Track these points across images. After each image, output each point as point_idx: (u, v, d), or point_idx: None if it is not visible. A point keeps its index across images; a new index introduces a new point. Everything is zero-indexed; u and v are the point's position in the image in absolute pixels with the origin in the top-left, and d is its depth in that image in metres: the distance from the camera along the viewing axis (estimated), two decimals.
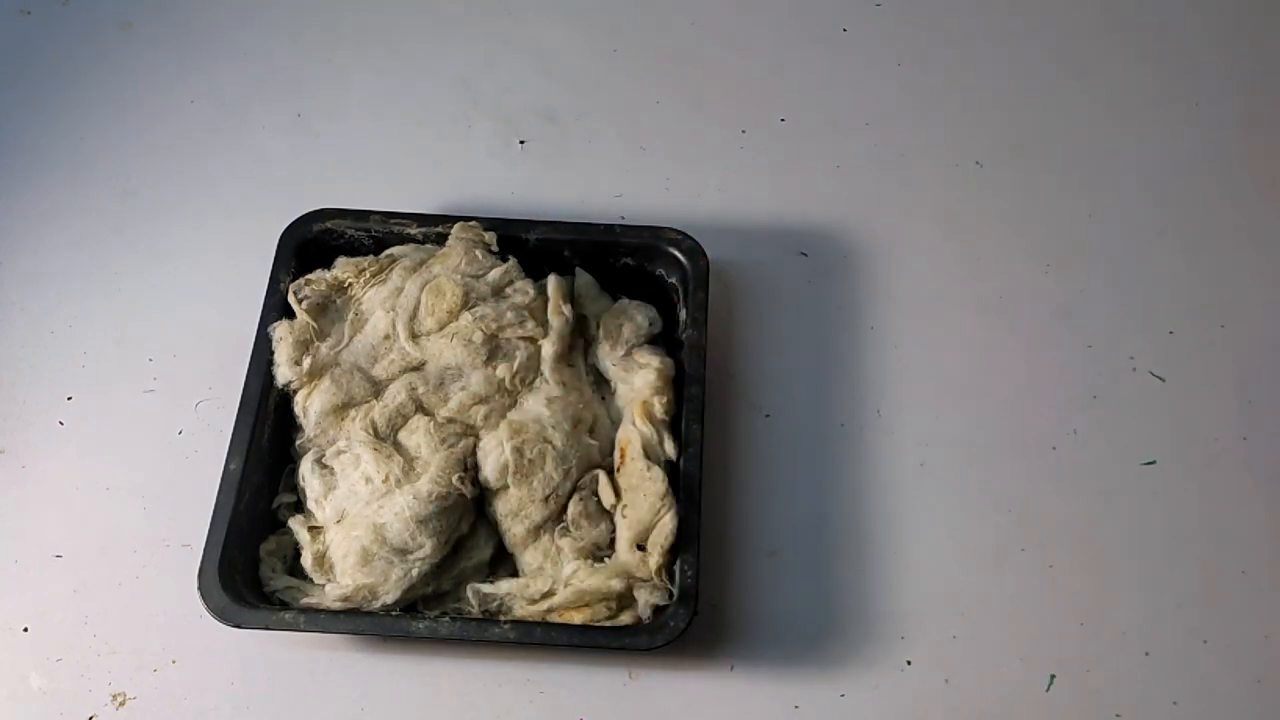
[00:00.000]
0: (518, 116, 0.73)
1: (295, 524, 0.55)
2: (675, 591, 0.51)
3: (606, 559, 0.54)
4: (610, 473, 0.55)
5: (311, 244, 0.60)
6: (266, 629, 0.51)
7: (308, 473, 0.55)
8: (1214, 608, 0.56)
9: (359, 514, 0.53)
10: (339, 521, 0.53)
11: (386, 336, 0.57)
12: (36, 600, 0.56)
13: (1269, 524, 0.58)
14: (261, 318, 0.58)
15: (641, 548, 0.53)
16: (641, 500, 0.53)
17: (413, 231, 0.60)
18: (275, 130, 0.72)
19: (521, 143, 0.72)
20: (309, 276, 0.59)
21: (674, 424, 0.56)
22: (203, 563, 0.51)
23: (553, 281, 0.59)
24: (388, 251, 0.60)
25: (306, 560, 0.53)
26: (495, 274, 0.58)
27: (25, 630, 0.55)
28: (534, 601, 0.52)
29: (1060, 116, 0.73)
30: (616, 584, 0.51)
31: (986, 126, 0.73)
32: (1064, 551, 0.57)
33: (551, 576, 0.53)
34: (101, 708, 0.53)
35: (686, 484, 0.53)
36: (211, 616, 0.50)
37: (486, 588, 0.53)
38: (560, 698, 0.54)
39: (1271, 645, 0.55)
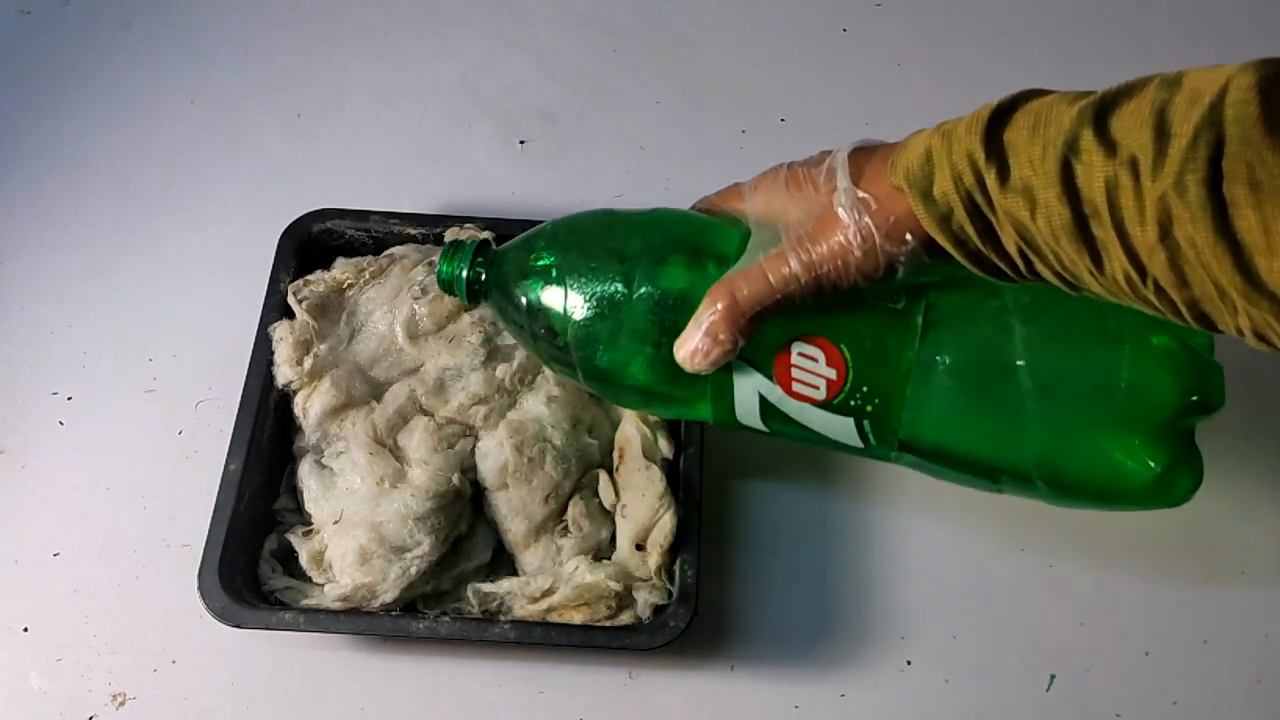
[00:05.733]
0: (518, 116, 0.73)
1: (294, 535, 0.55)
2: (675, 591, 0.51)
3: (607, 559, 0.54)
4: (611, 472, 0.56)
5: (311, 244, 0.60)
6: (266, 629, 0.51)
7: (306, 474, 0.55)
8: (1214, 608, 0.56)
9: (356, 513, 0.53)
10: (336, 522, 0.53)
11: (385, 338, 0.57)
12: (36, 600, 0.56)
13: (1270, 523, 0.58)
14: (261, 318, 0.58)
15: (641, 547, 0.53)
16: (640, 500, 0.53)
17: (412, 232, 0.61)
18: (275, 130, 0.72)
19: (521, 143, 0.72)
20: (308, 277, 0.59)
21: (673, 423, 0.56)
22: (203, 563, 0.51)
23: None
24: (388, 252, 0.60)
25: (304, 560, 0.53)
26: None
27: (25, 630, 0.55)
28: (534, 600, 0.52)
29: None
30: (615, 583, 0.51)
31: None
32: (1064, 551, 0.57)
33: (552, 575, 0.53)
34: (101, 708, 0.53)
35: (686, 484, 0.53)
36: (211, 616, 0.50)
37: (487, 587, 0.53)
38: (560, 698, 0.54)
39: (1271, 645, 0.55)
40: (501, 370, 0.56)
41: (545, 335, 0.48)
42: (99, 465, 0.60)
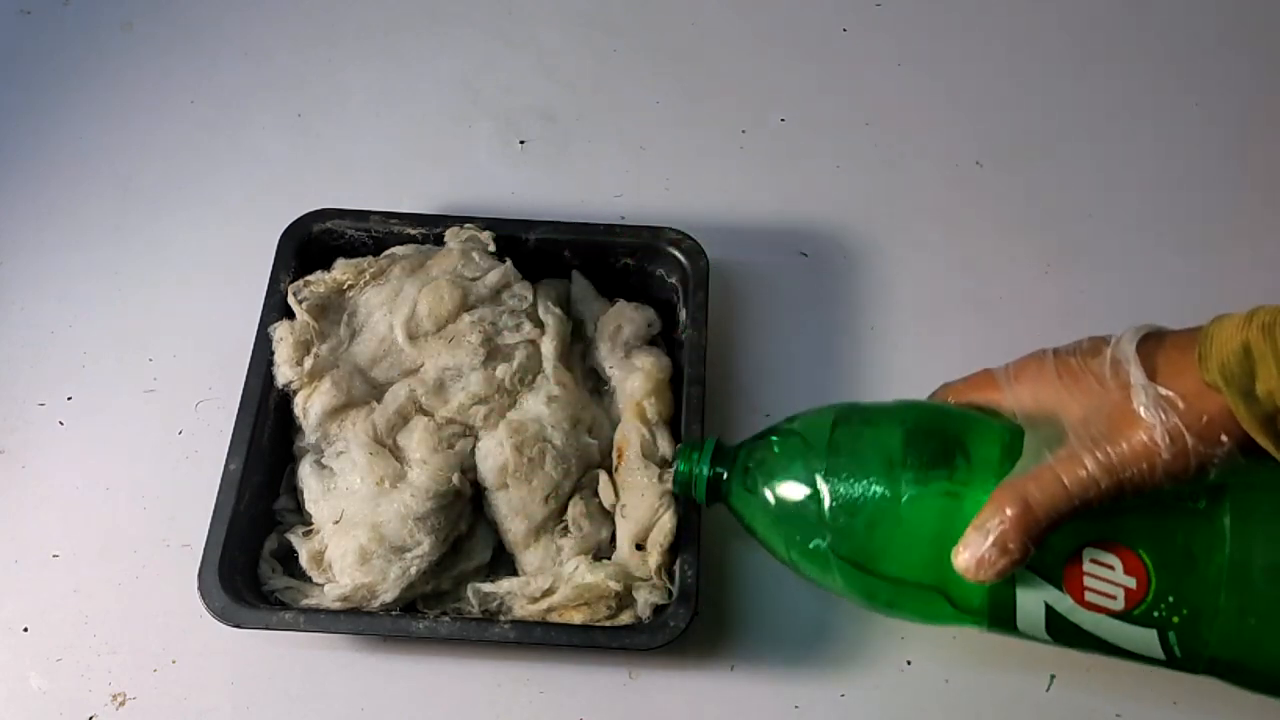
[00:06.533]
0: (518, 116, 0.73)
1: (294, 535, 0.55)
2: (675, 591, 0.51)
3: (607, 559, 0.54)
4: (611, 472, 0.55)
5: (311, 244, 0.60)
6: (267, 629, 0.51)
7: (306, 474, 0.55)
8: None
9: (356, 513, 0.53)
10: (336, 522, 0.53)
11: (385, 338, 0.57)
12: (36, 600, 0.56)
13: None
14: (261, 318, 0.58)
15: (641, 547, 0.53)
16: (640, 500, 0.53)
17: (412, 232, 0.61)
18: (275, 130, 0.72)
19: (521, 143, 0.72)
20: (309, 278, 0.59)
21: (674, 424, 0.56)
22: (203, 563, 0.51)
23: (540, 289, 0.59)
24: (388, 252, 0.60)
25: (304, 560, 0.53)
26: (493, 276, 0.58)
27: (25, 630, 0.55)
28: (534, 600, 0.52)
29: (1060, 116, 0.73)
30: (615, 583, 0.51)
31: (986, 126, 0.73)
32: None
33: (552, 575, 0.53)
34: (101, 708, 0.53)
35: None
36: (211, 616, 0.50)
37: (487, 586, 0.53)
38: (560, 698, 0.54)
39: None
40: (501, 370, 0.56)
41: (800, 538, 0.45)
42: (99, 465, 0.60)
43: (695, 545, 0.52)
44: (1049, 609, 0.43)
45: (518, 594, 0.53)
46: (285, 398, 0.57)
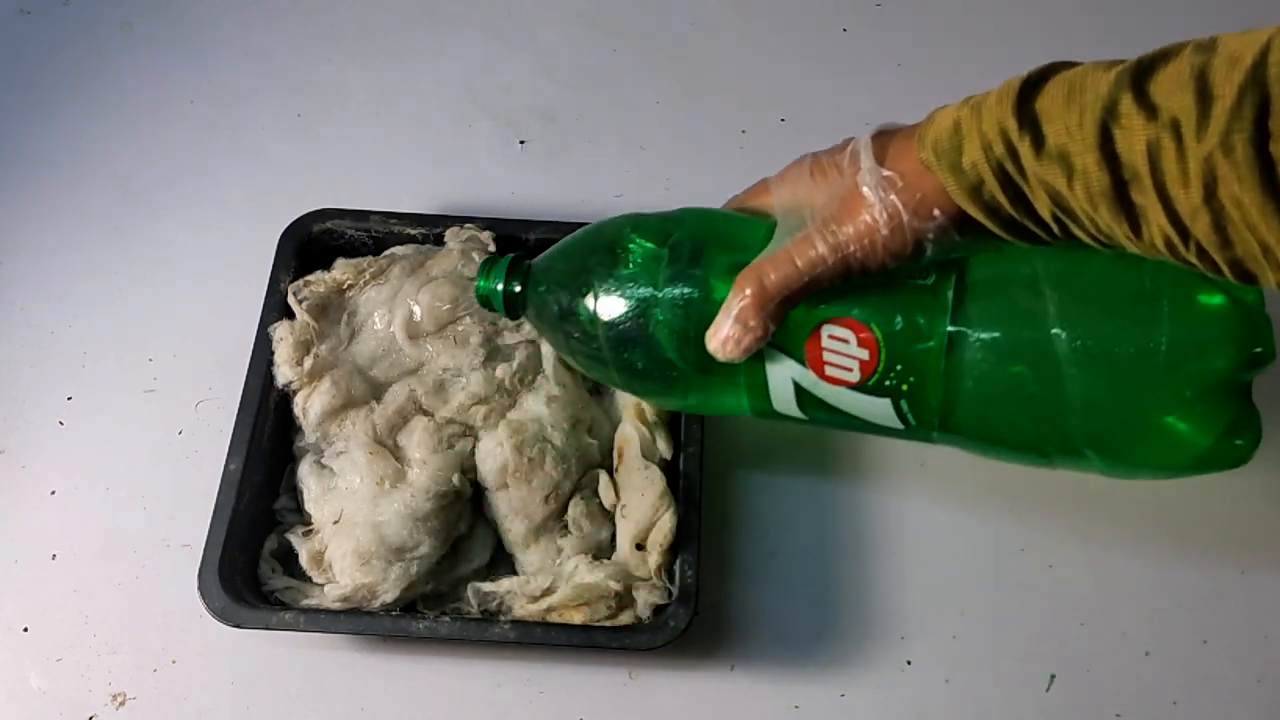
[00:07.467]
0: (518, 116, 0.73)
1: (294, 535, 0.55)
2: (675, 591, 0.51)
3: (608, 559, 0.54)
4: (611, 472, 0.56)
5: (311, 244, 0.60)
6: (267, 629, 0.51)
7: (305, 474, 0.55)
8: (1214, 608, 0.56)
9: (356, 513, 0.53)
10: (336, 522, 0.53)
11: (385, 338, 0.57)
12: (36, 600, 0.56)
13: (1270, 523, 0.58)
14: (261, 318, 0.58)
15: (641, 547, 0.53)
16: (640, 500, 0.53)
17: (412, 232, 0.61)
18: (275, 130, 0.72)
19: (521, 143, 0.72)
20: (309, 278, 0.59)
21: (673, 424, 0.56)
22: (203, 563, 0.51)
23: None
24: (388, 252, 0.60)
25: (304, 560, 0.53)
26: None
27: (25, 630, 0.55)
28: (534, 599, 0.52)
29: None
30: (615, 583, 0.51)
31: None
32: (1064, 551, 0.57)
33: (553, 574, 0.53)
34: (101, 708, 0.53)
35: (686, 484, 0.53)
36: (211, 616, 0.50)
37: (486, 586, 0.53)
38: (560, 698, 0.54)
39: (1271, 645, 0.55)
40: (501, 370, 0.56)
41: (581, 341, 0.48)
42: (99, 465, 0.60)
43: (695, 545, 0.52)
44: (797, 385, 0.46)
45: (518, 594, 0.53)
46: (285, 398, 0.57)
